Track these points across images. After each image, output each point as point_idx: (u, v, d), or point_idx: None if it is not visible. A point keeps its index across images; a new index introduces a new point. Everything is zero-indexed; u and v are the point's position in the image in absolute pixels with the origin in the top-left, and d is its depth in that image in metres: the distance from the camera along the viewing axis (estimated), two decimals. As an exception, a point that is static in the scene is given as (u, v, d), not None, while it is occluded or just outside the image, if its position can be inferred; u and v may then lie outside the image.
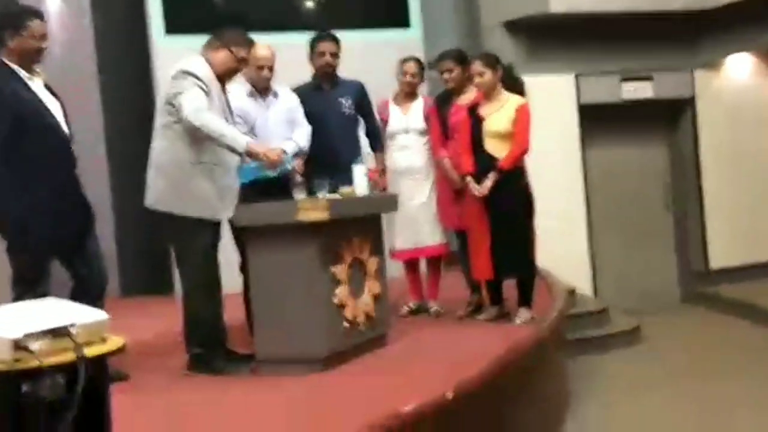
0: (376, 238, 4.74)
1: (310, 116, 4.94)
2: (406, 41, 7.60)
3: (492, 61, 5.15)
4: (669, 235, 9.41)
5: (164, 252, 7.28)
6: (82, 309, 2.47)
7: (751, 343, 7.28)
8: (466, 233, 5.39)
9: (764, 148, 9.18)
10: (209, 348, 4.31)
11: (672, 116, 9.31)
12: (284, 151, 4.36)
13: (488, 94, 5.15)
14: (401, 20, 8.03)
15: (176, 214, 4.21)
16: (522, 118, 5.08)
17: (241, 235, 4.44)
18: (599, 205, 8.93)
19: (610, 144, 9.01)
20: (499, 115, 5.11)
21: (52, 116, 3.79)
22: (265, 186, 4.52)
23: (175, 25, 7.33)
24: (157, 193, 4.24)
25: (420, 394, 3.55)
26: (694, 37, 8.81)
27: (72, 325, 2.34)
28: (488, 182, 5.05)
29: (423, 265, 5.90)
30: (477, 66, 5.13)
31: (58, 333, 2.31)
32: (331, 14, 7.95)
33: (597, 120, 8.75)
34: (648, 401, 5.79)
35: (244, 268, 4.64)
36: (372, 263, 4.63)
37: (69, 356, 2.29)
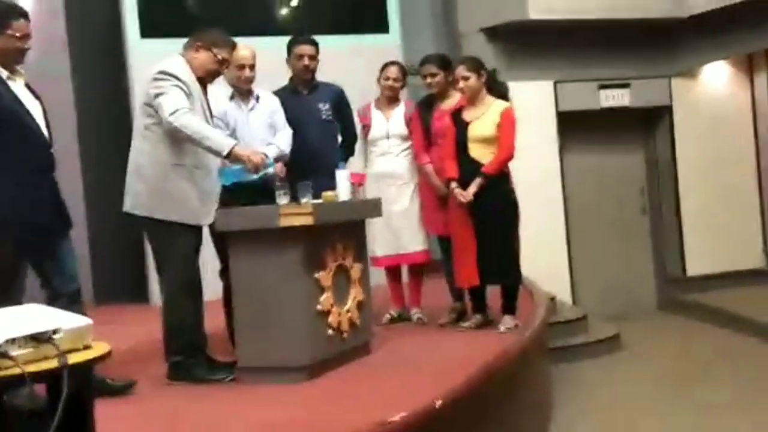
0: (359, 244, 4.66)
1: (287, 121, 4.86)
2: (385, 46, 7.55)
3: (476, 65, 5.10)
4: (646, 242, 9.43)
5: (139, 257, 7.18)
6: (64, 315, 2.37)
7: (731, 349, 7.29)
8: (449, 240, 5.33)
9: (740, 156, 9.23)
10: (190, 356, 4.20)
11: (649, 123, 9.34)
12: (266, 155, 4.27)
13: (472, 99, 5.10)
14: (380, 25, 7.97)
15: (157, 219, 4.10)
16: (507, 123, 5.03)
17: (222, 239, 4.34)
18: (577, 212, 8.92)
19: (588, 150, 9.01)
20: (483, 119, 5.06)
21: (32, 118, 3.66)
22: (246, 190, 4.42)
23: (150, 28, 7.21)
24: (137, 198, 4.13)
25: (407, 402, 3.47)
26: (671, 44, 8.84)
27: (55, 331, 2.24)
28: (473, 188, 4.99)
29: (405, 273, 5.83)
30: (461, 70, 5.08)
31: (40, 339, 2.21)
32: (309, 18, 7.91)
33: (575, 127, 8.75)
34: (630, 408, 5.75)
35: (224, 274, 4.54)
36: (356, 270, 4.55)
37: (51, 364, 2.19)
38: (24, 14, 3.68)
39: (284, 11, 8.12)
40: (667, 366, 6.88)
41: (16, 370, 2.12)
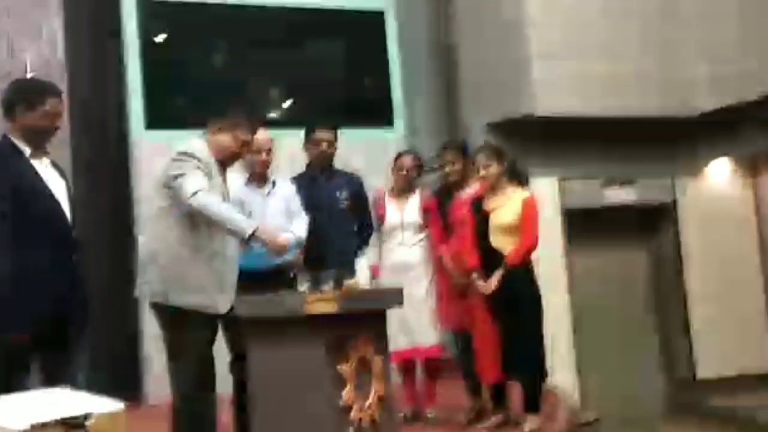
0: (380, 335, 4.41)
1: (304, 206, 4.69)
2: (389, 141, 7.50)
3: (497, 152, 5.00)
4: (653, 341, 9.20)
5: (130, 350, 6.90)
6: (96, 399, 2.14)
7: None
8: (468, 335, 5.11)
9: (746, 253, 9.13)
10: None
11: (653, 220, 9.25)
12: (288, 239, 4.08)
13: (493, 187, 4.97)
14: (384, 120, 7.94)
15: (171, 305, 3.88)
16: (529, 211, 4.90)
17: (236, 329, 4.10)
18: (583, 309, 8.72)
19: (592, 248, 8.87)
20: (505, 208, 4.92)
21: (54, 199, 3.45)
22: (263, 276, 4.22)
23: (156, 119, 7.11)
24: (152, 284, 3.92)
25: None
26: (673, 142, 8.84)
27: (86, 417, 2.01)
28: (495, 279, 4.81)
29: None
30: (482, 158, 4.97)
31: (72, 425, 1.98)
32: (313, 112, 7.83)
33: (580, 223, 8.63)
34: None
35: (234, 366, 4.30)
36: (377, 363, 4.29)
37: (86, 453, 1.96)
38: (58, 93, 3.54)
39: (287, 104, 8.06)
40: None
41: (46, 459, 1.88)
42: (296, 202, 4.72)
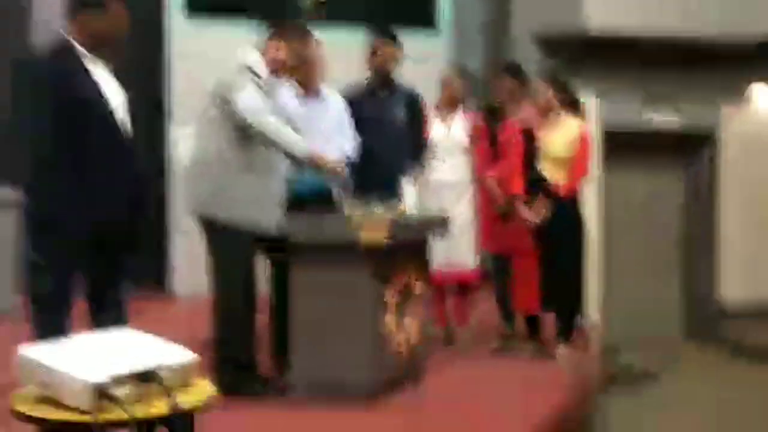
0: (423, 262, 4.37)
1: (362, 122, 4.53)
2: (433, 44, 7.27)
3: (557, 79, 4.81)
4: (679, 269, 9.14)
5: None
6: (166, 347, 2.08)
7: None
8: (507, 260, 5.05)
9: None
10: (240, 370, 3.90)
11: (693, 147, 9.04)
12: (344, 163, 3.96)
13: (547, 114, 4.81)
14: (429, 22, 7.68)
15: (218, 221, 3.80)
16: (584, 145, 4.76)
17: (280, 249, 4.01)
18: (611, 233, 8.63)
19: (627, 171, 8.71)
20: (558, 137, 4.77)
21: (110, 110, 3.27)
22: (312, 198, 4.13)
23: (196, 7, 6.87)
24: (200, 197, 3.83)
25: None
26: (723, 68, 8.55)
27: (160, 369, 1.95)
28: (542, 209, 4.70)
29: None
30: (539, 84, 4.79)
31: (146, 377, 1.92)
32: (358, 8, 7.54)
33: (619, 144, 8.44)
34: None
35: (272, 281, 4.26)
36: (418, 288, 4.26)
37: (159, 407, 1.90)
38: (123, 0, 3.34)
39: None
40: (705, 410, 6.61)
41: (122, 414, 1.83)
42: (346, 116, 4.56)
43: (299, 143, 3.74)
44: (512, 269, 4.99)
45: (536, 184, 4.77)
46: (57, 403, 1.86)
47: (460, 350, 5.10)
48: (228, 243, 3.81)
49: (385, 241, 3.69)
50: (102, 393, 1.82)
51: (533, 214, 4.71)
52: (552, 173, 4.76)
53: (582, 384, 4.43)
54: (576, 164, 4.73)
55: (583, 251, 4.84)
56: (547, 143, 4.77)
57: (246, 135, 3.74)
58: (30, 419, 1.88)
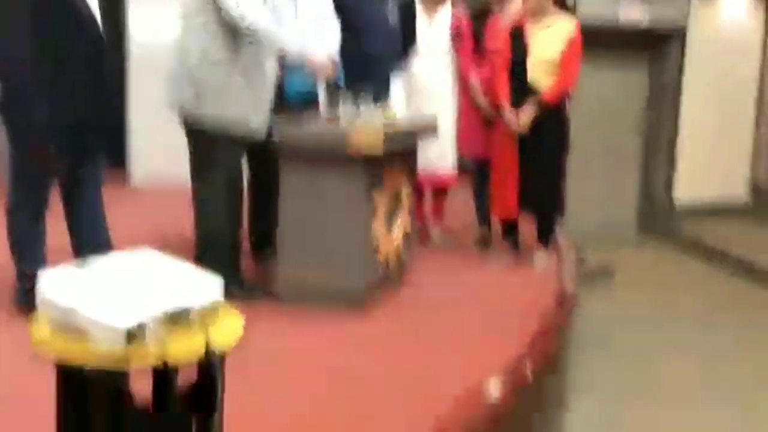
0: (412, 169, 4.27)
1: (355, 21, 4.31)
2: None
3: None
4: (637, 164, 9.23)
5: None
6: (192, 281, 1.97)
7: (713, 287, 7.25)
8: (487, 164, 4.97)
9: (745, 83, 9.03)
10: (224, 274, 3.79)
11: (661, 44, 8.98)
12: (335, 63, 3.79)
13: (536, 14, 4.64)
14: None
15: (205, 124, 3.63)
16: (575, 49, 4.62)
17: (267, 152, 3.87)
18: (575, 127, 8.60)
19: (595, 66, 8.62)
20: (547, 40, 4.61)
21: (86, 6, 3.11)
22: (301, 99, 3.97)
23: None
24: (185, 98, 3.64)
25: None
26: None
27: (189, 310, 1.86)
28: (526, 116, 4.60)
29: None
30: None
31: (177, 318, 1.82)
32: None
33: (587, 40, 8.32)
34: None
35: (253, 184, 4.13)
36: (406, 196, 4.18)
37: (196, 351, 1.81)
38: None
39: None
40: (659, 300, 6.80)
41: (153, 359, 1.74)
42: (329, 6, 4.32)
43: (293, 42, 3.55)
44: (491, 174, 4.92)
45: (522, 90, 4.65)
46: (82, 347, 1.75)
47: (439, 253, 5.06)
48: (212, 144, 3.65)
49: (381, 148, 3.58)
50: (131, 336, 1.72)
51: (518, 122, 4.61)
52: (539, 77, 4.63)
53: (561, 289, 4.45)
54: (565, 69, 4.60)
55: (565, 157, 4.78)
56: (536, 47, 4.62)
57: (235, 33, 3.54)
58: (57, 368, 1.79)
